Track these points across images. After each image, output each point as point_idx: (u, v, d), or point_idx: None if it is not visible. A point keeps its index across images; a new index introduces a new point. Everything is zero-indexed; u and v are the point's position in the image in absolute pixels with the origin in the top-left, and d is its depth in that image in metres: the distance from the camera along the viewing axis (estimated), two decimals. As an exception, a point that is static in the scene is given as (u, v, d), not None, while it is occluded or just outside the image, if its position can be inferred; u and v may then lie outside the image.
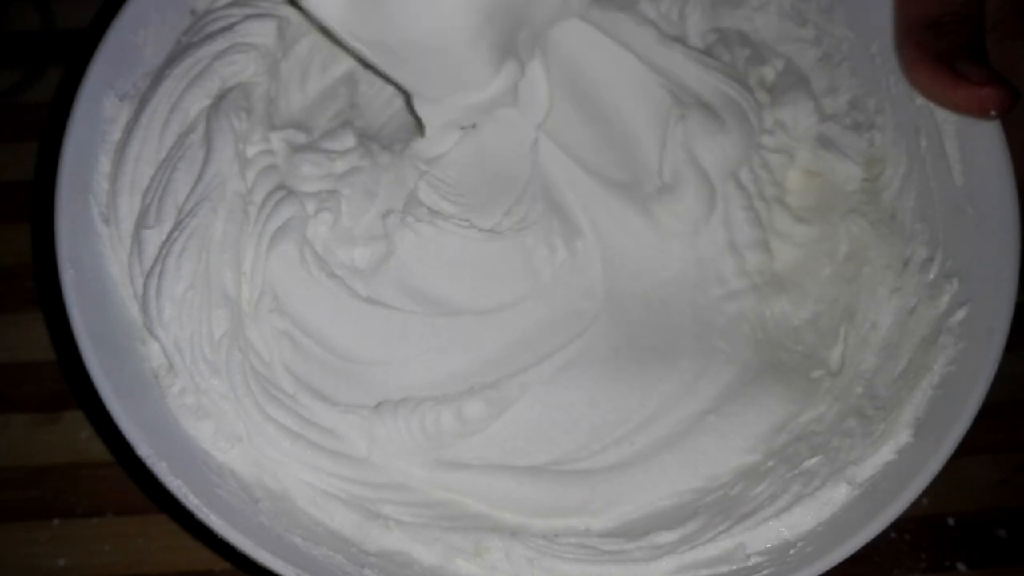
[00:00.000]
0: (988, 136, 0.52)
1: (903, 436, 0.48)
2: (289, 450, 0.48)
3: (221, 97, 0.53)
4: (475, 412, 0.50)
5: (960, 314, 0.50)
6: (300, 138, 0.56)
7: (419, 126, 0.56)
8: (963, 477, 0.58)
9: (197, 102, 0.53)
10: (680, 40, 0.60)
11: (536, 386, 0.52)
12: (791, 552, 0.46)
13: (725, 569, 0.47)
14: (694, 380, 0.53)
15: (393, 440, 0.50)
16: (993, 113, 0.50)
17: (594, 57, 0.59)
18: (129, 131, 0.52)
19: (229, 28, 0.54)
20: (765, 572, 0.46)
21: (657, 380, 0.53)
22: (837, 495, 0.48)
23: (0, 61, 0.69)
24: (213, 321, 0.49)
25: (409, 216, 0.54)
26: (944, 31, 0.51)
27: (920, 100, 0.55)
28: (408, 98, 0.55)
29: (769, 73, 0.61)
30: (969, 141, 0.53)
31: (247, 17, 0.55)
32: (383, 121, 0.59)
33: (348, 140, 0.56)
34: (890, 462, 0.48)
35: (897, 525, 0.46)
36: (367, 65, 0.58)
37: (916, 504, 0.46)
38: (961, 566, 0.58)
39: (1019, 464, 0.60)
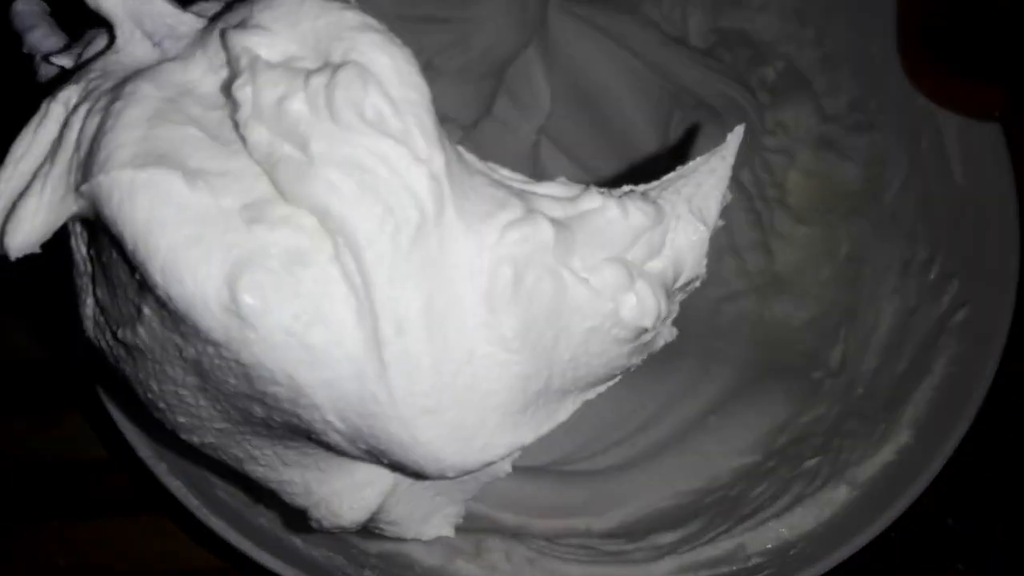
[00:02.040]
0: (988, 136, 0.52)
1: (903, 437, 0.49)
2: (289, 450, 0.48)
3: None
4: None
5: (960, 315, 0.50)
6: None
7: None
8: (963, 477, 0.58)
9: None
10: (682, 41, 0.60)
11: (536, 386, 0.52)
12: (791, 552, 0.46)
13: (725, 570, 0.47)
14: (695, 381, 0.53)
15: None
16: (996, 115, 0.50)
17: (597, 59, 0.59)
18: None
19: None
20: (765, 573, 0.46)
21: (658, 381, 0.53)
22: (837, 496, 0.48)
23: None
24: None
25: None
26: (948, 34, 0.51)
27: (921, 101, 0.55)
28: None
29: (770, 74, 0.61)
30: (969, 141, 0.53)
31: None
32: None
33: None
34: (890, 463, 0.48)
35: (897, 525, 0.46)
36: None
37: (916, 504, 0.46)
38: (961, 566, 0.58)
39: (1019, 464, 0.60)
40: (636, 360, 0.30)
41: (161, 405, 0.31)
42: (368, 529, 0.33)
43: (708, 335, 0.55)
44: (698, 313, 0.55)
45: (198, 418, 0.30)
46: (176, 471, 0.44)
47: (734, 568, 0.47)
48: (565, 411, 0.30)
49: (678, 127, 0.57)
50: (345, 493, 0.31)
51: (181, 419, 0.31)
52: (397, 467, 0.28)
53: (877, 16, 0.56)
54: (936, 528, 0.59)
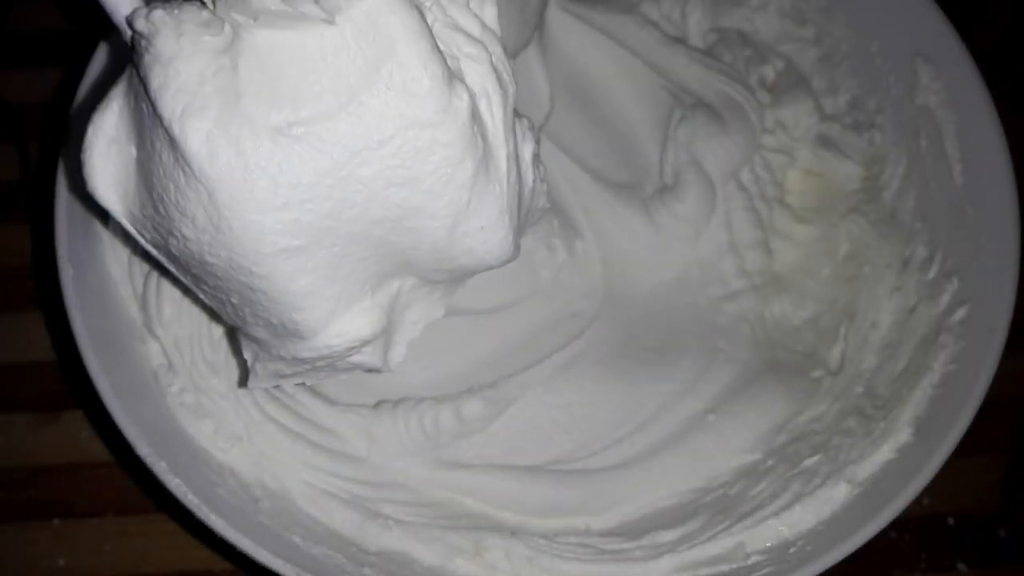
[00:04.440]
0: (988, 136, 0.52)
1: (903, 435, 0.49)
2: (289, 449, 0.48)
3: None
4: (474, 412, 0.50)
5: (960, 313, 0.50)
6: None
7: None
8: (963, 477, 0.58)
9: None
10: (682, 41, 0.61)
11: (535, 386, 0.52)
12: (791, 551, 0.46)
13: (725, 568, 0.47)
14: (694, 380, 0.53)
15: (392, 439, 0.50)
16: None
17: (596, 58, 0.59)
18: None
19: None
20: (765, 571, 0.46)
21: (657, 380, 0.53)
22: (837, 494, 0.48)
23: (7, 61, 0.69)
24: (213, 320, 0.49)
25: (409, 216, 0.54)
26: None
27: (920, 100, 0.55)
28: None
29: (769, 73, 0.61)
30: (969, 141, 0.53)
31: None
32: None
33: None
34: (890, 461, 0.48)
35: (897, 525, 0.46)
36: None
37: (916, 504, 0.46)
38: (961, 566, 0.58)
39: (1020, 463, 0.60)
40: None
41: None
42: (343, 356, 0.39)
43: (708, 335, 0.55)
44: (698, 313, 0.55)
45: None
46: (176, 470, 0.44)
47: (733, 566, 0.47)
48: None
49: (678, 126, 0.57)
50: (360, 315, 0.38)
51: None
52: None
53: (876, 15, 0.56)
54: (936, 528, 0.59)
